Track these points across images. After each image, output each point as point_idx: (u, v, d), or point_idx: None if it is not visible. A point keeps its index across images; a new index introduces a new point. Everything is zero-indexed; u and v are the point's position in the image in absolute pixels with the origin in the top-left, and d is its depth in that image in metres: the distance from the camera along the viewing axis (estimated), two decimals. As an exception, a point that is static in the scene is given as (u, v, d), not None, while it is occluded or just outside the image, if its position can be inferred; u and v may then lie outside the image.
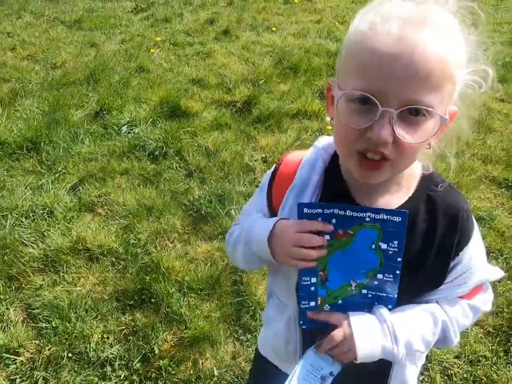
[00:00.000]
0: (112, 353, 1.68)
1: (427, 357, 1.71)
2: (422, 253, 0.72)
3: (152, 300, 1.87)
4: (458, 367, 1.68)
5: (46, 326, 1.75)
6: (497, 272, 0.80)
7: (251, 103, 3.38)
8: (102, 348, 1.70)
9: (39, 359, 1.65)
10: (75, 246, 2.11)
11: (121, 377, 1.60)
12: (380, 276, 0.73)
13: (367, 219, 0.69)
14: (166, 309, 1.83)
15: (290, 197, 0.78)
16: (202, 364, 1.66)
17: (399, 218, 0.68)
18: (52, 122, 3.00)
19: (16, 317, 1.81)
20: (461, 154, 2.96)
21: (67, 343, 1.70)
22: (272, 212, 0.83)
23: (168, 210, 2.36)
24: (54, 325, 1.74)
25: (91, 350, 1.68)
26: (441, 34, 0.55)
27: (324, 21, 5.27)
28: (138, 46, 4.34)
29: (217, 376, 1.62)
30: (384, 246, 0.70)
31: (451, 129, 0.66)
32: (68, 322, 1.76)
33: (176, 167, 2.70)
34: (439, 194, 0.72)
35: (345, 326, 0.73)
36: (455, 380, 1.64)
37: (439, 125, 0.59)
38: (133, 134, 2.97)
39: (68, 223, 2.25)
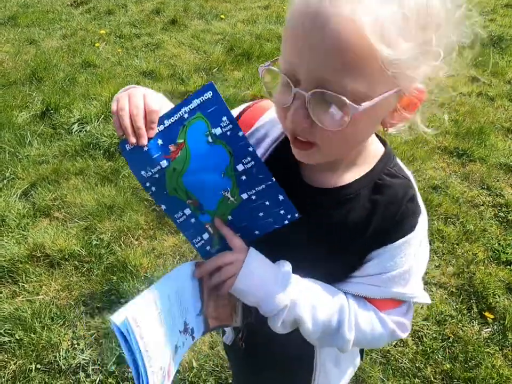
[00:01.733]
0: (84, 359, 1.61)
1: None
2: (350, 237, 0.67)
3: (122, 300, 1.81)
4: (427, 329, 1.76)
5: (9, 340, 1.65)
6: (424, 297, 0.71)
7: (206, 92, 3.32)
8: (73, 355, 1.63)
9: (4, 375, 1.55)
10: (33, 253, 1.99)
11: (97, 382, 1.54)
12: (240, 167, 0.64)
13: (186, 116, 0.62)
14: (137, 307, 1.78)
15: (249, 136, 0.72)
16: (180, 357, 1.63)
17: (210, 93, 0.61)
18: (-6, 126, 2.80)
19: (-25, 334, 1.70)
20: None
21: (34, 354, 1.61)
22: None
23: (130, 208, 2.29)
24: (18, 337, 1.64)
25: (61, 358, 1.61)
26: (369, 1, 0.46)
27: (272, 6, 5.25)
28: (82, 41, 4.13)
29: (197, 367, 1.60)
30: (218, 130, 0.62)
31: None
32: (33, 333, 1.66)
33: (134, 162, 2.61)
34: (387, 184, 0.66)
35: (240, 251, 0.67)
36: (426, 340, 1.72)
37: (373, 109, 0.51)
38: (84, 132, 2.84)
39: (23, 231, 2.13)
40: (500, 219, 2.35)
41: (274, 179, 0.65)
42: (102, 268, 1.94)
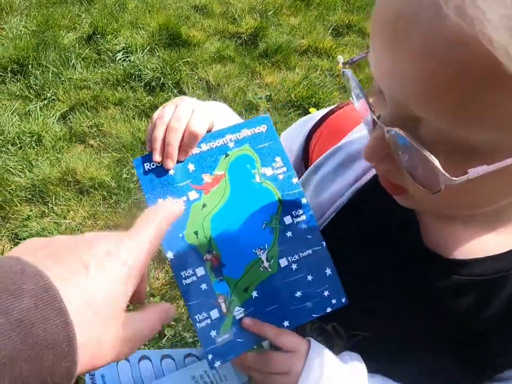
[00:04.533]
0: (102, 288, 1.63)
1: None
2: (473, 338, 0.46)
3: (145, 237, 1.80)
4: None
5: (33, 257, 1.69)
6: None
7: (258, 35, 3.11)
8: (92, 282, 1.65)
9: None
10: (64, 177, 2.00)
11: (111, 312, 1.57)
12: (287, 220, 0.51)
13: (231, 144, 0.52)
14: (159, 247, 1.76)
15: (328, 163, 0.54)
16: (194, 303, 1.62)
17: (264, 127, 0.53)
18: (40, 43, 2.75)
19: (3, 246, 1.75)
20: None
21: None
22: (305, 160, 0.61)
23: (164, 146, 2.23)
24: (42, 257, 1.68)
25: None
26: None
27: (342, -51, 4.77)
28: (137, -35, 3.92)
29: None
30: (268, 171, 0.52)
31: None
32: (57, 255, 1.69)
33: (174, 100, 2.52)
34: None
35: (296, 356, 0.48)
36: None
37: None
38: (128, 62, 2.75)
39: (57, 153, 2.13)
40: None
41: (324, 244, 0.51)
42: (129, 202, 1.93)
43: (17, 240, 1.75)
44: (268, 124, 0.53)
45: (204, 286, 0.49)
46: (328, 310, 0.51)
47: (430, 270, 0.46)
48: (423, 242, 0.46)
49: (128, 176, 2.05)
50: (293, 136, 0.59)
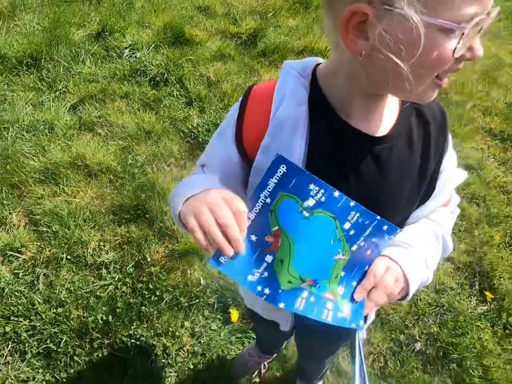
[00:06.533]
0: (107, 259, 1.81)
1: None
2: (423, 167, 0.69)
3: (147, 216, 1.98)
4: (425, 294, 1.83)
5: (46, 230, 1.87)
6: (464, 174, 0.80)
7: (257, 36, 3.29)
8: (99, 254, 1.83)
9: (40, 258, 1.79)
10: (75, 161, 2.18)
11: (116, 279, 1.75)
12: (347, 225, 0.59)
13: (268, 200, 0.56)
14: (160, 224, 1.95)
15: (271, 138, 0.63)
16: (190, 274, 1.80)
17: (283, 167, 0.54)
18: (52, 39, 2.94)
19: (19, 221, 1.93)
20: (462, 104, 2.96)
21: (66, 246, 1.83)
22: (246, 159, 0.68)
23: (166, 136, 2.41)
24: (54, 230, 1.86)
25: (88, 254, 1.82)
26: None
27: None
28: (144, -33, 4.11)
29: (204, 285, 1.77)
30: (310, 202, 0.56)
31: None
32: (67, 229, 1.87)
33: (176, 94, 2.70)
34: (422, 105, 0.67)
35: (390, 265, 0.66)
36: (420, 304, 1.80)
37: None
38: (134, 58, 2.93)
39: (68, 140, 2.31)
40: (528, 209, 2.30)
41: (379, 217, 0.60)
42: (133, 185, 2.11)
43: (31, 216, 1.94)
44: (284, 163, 0.54)
45: (312, 299, 0.61)
46: (389, 241, 0.64)
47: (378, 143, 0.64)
48: (351, 126, 0.63)
49: (132, 162, 2.23)
50: (219, 146, 0.72)
